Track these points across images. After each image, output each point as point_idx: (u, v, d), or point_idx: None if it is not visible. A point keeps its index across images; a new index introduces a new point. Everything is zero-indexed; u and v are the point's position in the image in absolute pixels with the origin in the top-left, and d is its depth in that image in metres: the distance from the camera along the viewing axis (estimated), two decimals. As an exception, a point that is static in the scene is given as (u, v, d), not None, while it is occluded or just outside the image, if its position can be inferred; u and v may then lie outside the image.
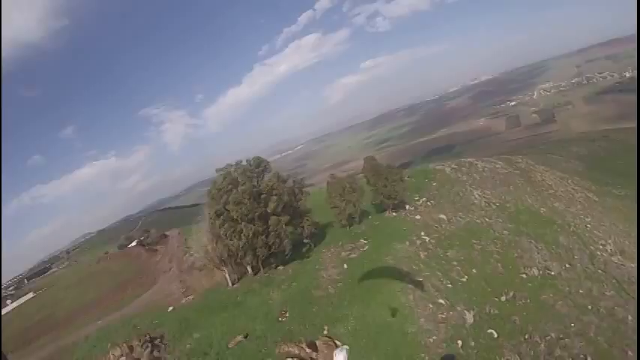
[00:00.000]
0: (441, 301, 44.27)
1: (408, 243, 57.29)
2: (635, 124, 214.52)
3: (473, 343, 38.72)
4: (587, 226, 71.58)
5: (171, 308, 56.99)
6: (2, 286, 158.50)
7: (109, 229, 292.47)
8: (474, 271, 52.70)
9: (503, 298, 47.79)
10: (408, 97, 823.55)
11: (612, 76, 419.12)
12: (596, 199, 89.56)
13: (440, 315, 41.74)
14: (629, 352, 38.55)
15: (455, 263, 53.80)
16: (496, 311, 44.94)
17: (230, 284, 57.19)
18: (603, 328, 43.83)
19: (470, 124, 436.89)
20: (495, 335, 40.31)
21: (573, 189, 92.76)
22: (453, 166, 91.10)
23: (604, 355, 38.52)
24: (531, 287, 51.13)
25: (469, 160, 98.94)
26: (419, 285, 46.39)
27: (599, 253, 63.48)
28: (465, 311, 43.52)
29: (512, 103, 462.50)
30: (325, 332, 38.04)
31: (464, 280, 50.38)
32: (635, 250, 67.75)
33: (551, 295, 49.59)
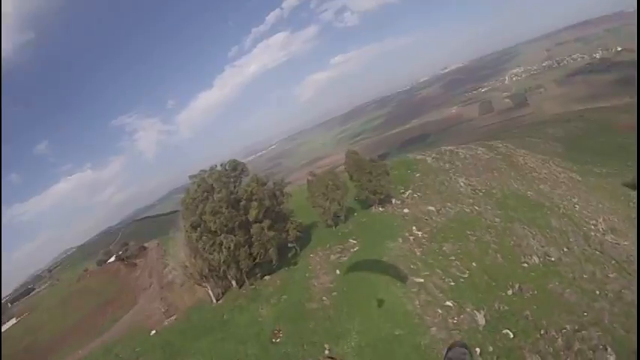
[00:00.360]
0: (449, 303, 39.83)
1: (401, 240, 52.69)
2: (608, 103, 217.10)
3: (491, 348, 34.58)
4: (575, 207, 68.44)
5: (153, 332, 51.15)
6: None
7: (88, 243, 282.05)
8: (473, 264, 48.36)
9: (509, 292, 43.73)
10: (379, 89, 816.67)
11: (582, 57, 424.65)
12: (580, 179, 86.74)
13: (450, 320, 37.33)
14: None
15: (452, 258, 49.32)
16: (506, 307, 40.82)
17: (214, 300, 51.37)
18: (616, 314, 39.99)
19: (442, 113, 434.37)
20: (511, 335, 36.18)
21: (556, 170, 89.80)
22: (434, 155, 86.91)
23: (623, 343, 34.83)
24: (535, 277, 47.22)
25: (450, 147, 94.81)
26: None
27: (592, 233, 60.13)
28: (475, 312, 39.19)
29: (484, 90, 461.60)
30: (327, 352, 34.08)
31: (465, 275, 45.97)
32: (624, 228, 64.80)
33: (557, 283, 45.67)
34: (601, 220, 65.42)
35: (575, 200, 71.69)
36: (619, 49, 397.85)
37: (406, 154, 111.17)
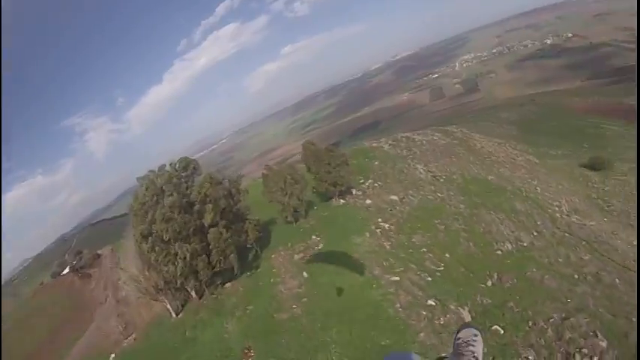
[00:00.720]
0: (431, 302, 36.10)
1: (367, 234, 48.60)
2: (559, 87, 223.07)
3: (485, 349, 31.87)
4: (537, 189, 66.81)
5: (112, 356, 45.12)
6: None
7: (45, 252, 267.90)
8: (447, 255, 45.06)
9: (489, 283, 40.68)
10: (330, 78, 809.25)
11: (533, 43, 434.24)
12: (537, 162, 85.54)
13: (437, 322, 33.62)
14: (634, 319, 32.72)
15: (424, 250, 45.84)
16: (489, 300, 37.65)
17: (173, 315, 45.56)
18: (598, 298, 37.38)
19: (393, 100, 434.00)
20: (502, 332, 33.08)
21: (513, 153, 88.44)
22: (390, 142, 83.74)
23: (612, 327, 32.27)
24: (511, 264, 44.27)
25: (406, 134, 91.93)
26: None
27: (557, 215, 58.11)
28: (460, 309, 35.90)
29: (435, 76, 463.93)
30: (305, 371, 28.26)
31: (441, 269, 42.57)
32: (586, 208, 64.18)
33: (534, 269, 42.71)
34: (564, 201, 63.68)
35: (536, 183, 70.15)
36: (569, 35, 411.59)
37: (359, 141, 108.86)
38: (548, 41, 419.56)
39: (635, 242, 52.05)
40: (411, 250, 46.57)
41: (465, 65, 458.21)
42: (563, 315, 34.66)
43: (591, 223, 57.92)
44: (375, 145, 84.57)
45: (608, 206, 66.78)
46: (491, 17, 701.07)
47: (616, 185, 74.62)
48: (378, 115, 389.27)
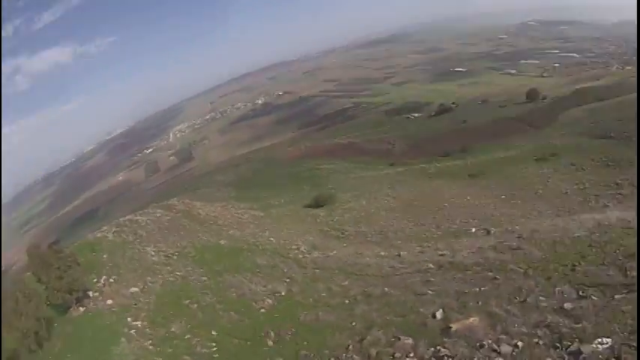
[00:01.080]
0: None
1: (124, 339, 40.46)
2: (271, 142, 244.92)
3: None
4: (271, 240, 68.06)
5: None
6: None
7: None
8: (213, 333, 40.31)
9: (270, 343, 37.50)
10: (45, 165, 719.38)
11: (245, 105, 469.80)
12: (262, 214, 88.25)
13: None
14: (421, 309, 34.04)
15: (189, 336, 40.26)
16: (280, 359, 34.66)
17: None
18: (378, 309, 38.19)
19: (109, 182, 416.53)
20: None
21: (237, 213, 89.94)
22: (114, 229, 73.79)
23: (407, 325, 32.67)
24: (281, 317, 41.92)
25: (128, 217, 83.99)
26: None
27: (300, 256, 59.79)
28: None
29: (149, 151, 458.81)
30: None
31: (215, 349, 37.81)
32: (323, 242, 66.77)
33: (305, 313, 41.60)
34: (300, 242, 65.69)
35: (267, 234, 71.49)
36: (280, 92, 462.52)
37: (81, 233, 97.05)
38: (260, 101, 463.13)
39: (382, 253, 56.07)
40: (175, 342, 39.87)
41: (179, 135, 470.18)
42: (358, 338, 34.36)
43: (333, 252, 60.06)
44: (99, 235, 74.18)
45: (342, 233, 70.66)
46: (205, 85, 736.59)
47: (343, 214, 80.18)
48: (96, 200, 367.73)
